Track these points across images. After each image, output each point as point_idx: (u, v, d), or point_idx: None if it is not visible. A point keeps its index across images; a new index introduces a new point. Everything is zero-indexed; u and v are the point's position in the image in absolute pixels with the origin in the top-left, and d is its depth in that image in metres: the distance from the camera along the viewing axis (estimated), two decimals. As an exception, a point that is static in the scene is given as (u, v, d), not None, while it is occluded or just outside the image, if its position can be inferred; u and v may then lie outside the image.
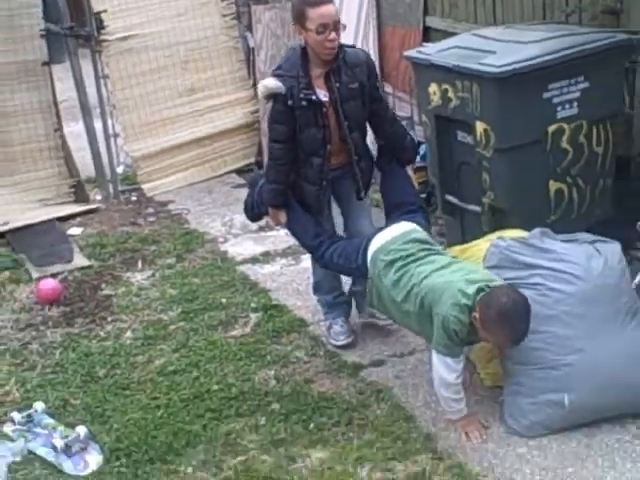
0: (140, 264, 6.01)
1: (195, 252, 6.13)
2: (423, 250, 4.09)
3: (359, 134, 4.46)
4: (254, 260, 5.94)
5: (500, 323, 3.67)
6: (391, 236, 4.19)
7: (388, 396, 4.33)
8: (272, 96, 4.25)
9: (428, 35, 6.75)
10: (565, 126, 4.83)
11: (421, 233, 4.22)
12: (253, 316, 5.18)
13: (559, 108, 4.79)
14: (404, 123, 5.26)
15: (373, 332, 4.93)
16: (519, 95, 4.65)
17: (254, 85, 7.45)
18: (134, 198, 7.24)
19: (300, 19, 4.18)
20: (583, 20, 5.38)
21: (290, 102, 4.22)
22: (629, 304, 4.08)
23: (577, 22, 5.40)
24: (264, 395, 4.43)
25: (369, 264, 4.21)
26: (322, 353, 4.77)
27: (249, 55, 7.51)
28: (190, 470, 3.95)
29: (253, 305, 5.31)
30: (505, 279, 3.97)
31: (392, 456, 3.93)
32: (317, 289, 4.90)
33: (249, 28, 7.43)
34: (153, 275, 5.84)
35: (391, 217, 4.54)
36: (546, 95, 4.74)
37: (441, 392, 3.95)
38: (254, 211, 4.80)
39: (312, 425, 4.18)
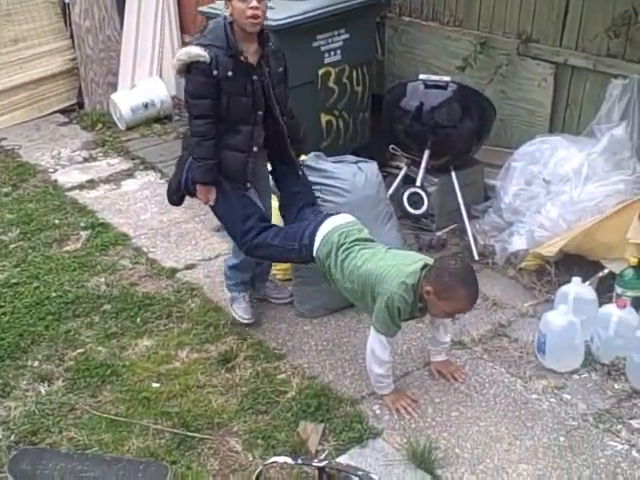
0: (-21, 194, 5.64)
1: (28, 182, 5.78)
2: (365, 239, 3.57)
3: (286, 117, 3.74)
4: (81, 187, 5.67)
5: (456, 285, 3.19)
6: (340, 222, 3.61)
7: (200, 293, 4.32)
8: (189, 66, 3.42)
9: (219, -7, 6.61)
10: (331, 70, 4.88)
11: (361, 225, 3.66)
12: (83, 234, 5.00)
13: (326, 55, 4.83)
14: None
15: (185, 241, 4.87)
16: (294, 44, 4.61)
17: (71, 36, 7.05)
18: (-30, 136, 6.74)
19: None
20: (344, -18, 5.41)
21: (215, 72, 3.40)
22: (385, 210, 4.20)
23: (339, -16, 5.42)
24: (97, 298, 4.31)
25: (319, 245, 3.56)
26: (144, 261, 4.67)
27: (65, 9, 7.05)
28: (37, 364, 3.83)
29: (82, 224, 5.10)
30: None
31: (206, 340, 3.96)
32: (235, 268, 4.02)
33: (64, -15, 6.98)
34: (-8, 202, 5.50)
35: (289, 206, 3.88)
36: (315, 44, 4.77)
37: (373, 369, 3.43)
38: (179, 192, 3.82)
39: (139, 320, 4.13)
